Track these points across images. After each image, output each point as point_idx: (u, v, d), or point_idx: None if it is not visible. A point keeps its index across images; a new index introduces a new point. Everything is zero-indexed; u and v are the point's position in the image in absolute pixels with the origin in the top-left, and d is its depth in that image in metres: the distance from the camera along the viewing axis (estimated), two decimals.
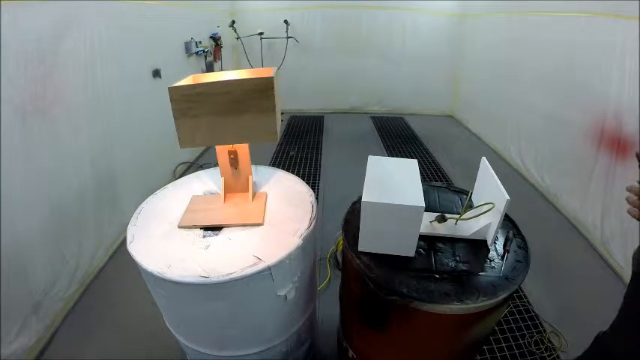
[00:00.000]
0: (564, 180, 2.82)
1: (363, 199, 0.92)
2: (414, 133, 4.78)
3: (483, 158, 1.09)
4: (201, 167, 3.44)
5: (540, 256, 2.17)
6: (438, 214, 1.08)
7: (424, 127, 4.94)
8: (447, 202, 1.25)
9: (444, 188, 1.36)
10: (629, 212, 0.80)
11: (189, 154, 3.65)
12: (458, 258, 0.98)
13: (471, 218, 1.03)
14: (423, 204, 0.89)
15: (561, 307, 1.90)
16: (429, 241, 1.04)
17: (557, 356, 1.65)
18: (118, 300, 1.98)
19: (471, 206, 1.12)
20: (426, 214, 1.06)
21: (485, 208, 0.99)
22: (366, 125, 5.13)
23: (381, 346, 1.09)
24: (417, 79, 5.37)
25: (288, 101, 5.40)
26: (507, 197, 0.91)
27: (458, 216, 1.08)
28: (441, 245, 1.03)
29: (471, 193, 1.22)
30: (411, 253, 0.98)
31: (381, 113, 5.62)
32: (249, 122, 0.99)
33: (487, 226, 1.01)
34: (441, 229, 1.06)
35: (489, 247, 1.01)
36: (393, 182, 1.01)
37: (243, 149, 1.18)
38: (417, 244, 0.97)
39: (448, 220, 1.07)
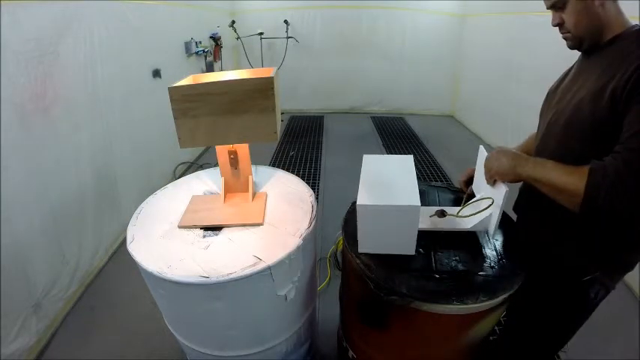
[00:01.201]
0: None
1: (357, 203, 0.91)
2: (414, 133, 4.79)
3: (481, 147, 1.08)
4: (201, 167, 3.44)
5: None
6: (438, 208, 1.07)
7: (424, 127, 4.94)
8: (447, 202, 1.25)
9: (444, 188, 1.36)
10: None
11: (189, 154, 3.65)
12: (458, 258, 0.98)
13: (470, 216, 1.03)
14: (418, 203, 0.88)
15: None
16: (429, 241, 1.04)
17: (557, 356, 1.65)
18: (118, 300, 1.98)
19: (470, 196, 1.11)
20: (425, 208, 1.06)
21: (485, 204, 0.99)
22: (366, 125, 5.13)
23: (381, 346, 1.09)
24: (417, 79, 5.38)
25: (288, 101, 5.40)
26: (506, 188, 0.90)
27: (458, 210, 1.07)
28: (441, 245, 1.03)
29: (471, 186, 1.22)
30: (411, 252, 0.98)
31: (381, 113, 5.62)
32: (249, 122, 0.99)
33: (488, 218, 1.00)
34: (441, 224, 1.05)
35: (491, 238, 1.01)
36: (387, 182, 1.00)
37: (243, 149, 1.17)
38: (418, 243, 0.97)
39: (451, 216, 1.06)
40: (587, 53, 0.93)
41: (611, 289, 0.97)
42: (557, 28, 0.91)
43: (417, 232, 0.94)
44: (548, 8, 0.91)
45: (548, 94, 1.08)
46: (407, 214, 0.90)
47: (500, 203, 0.93)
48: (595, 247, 0.91)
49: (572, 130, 0.87)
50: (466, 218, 1.04)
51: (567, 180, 0.77)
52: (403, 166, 1.09)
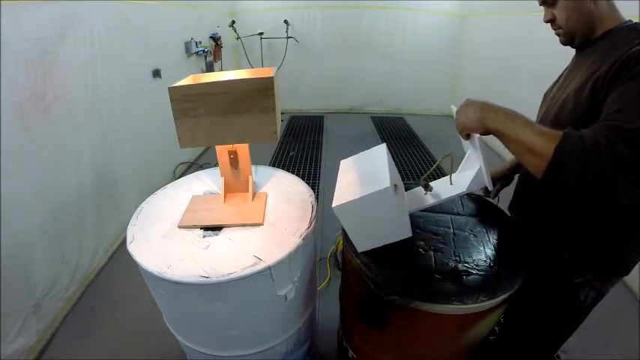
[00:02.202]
0: None
1: (332, 206, 0.90)
2: (414, 133, 4.78)
3: (452, 106, 1.04)
4: (201, 167, 3.44)
5: None
6: (423, 183, 1.05)
7: (424, 127, 4.94)
8: (447, 201, 1.25)
9: None
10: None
11: (189, 154, 3.65)
12: (458, 258, 0.98)
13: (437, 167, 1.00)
14: (387, 184, 0.84)
15: None
16: (428, 241, 1.04)
17: (557, 356, 1.65)
18: (118, 300, 1.98)
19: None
20: (415, 190, 1.08)
21: (470, 163, 0.96)
22: (366, 125, 5.13)
23: (381, 346, 1.09)
24: (417, 79, 5.38)
25: (288, 101, 5.41)
26: (478, 135, 0.88)
27: (449, 177, 1.05)
28: (441, 245, 1.03)
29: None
30: (409, 234, 0.96)
31: (381, 113, 5.62)
32: (249, 122, 0.99)
33: (480, 172, 0.94)
34: (439, 197, 1.03)
35: (490, 191, 0.97)
36: (360, 177, 0.99)
37: (243, 149, 1.18)
38: (417, 243, 0.96)
39: (444, 186, 1.04)
40: (579, 49, 0.93)
41: (605, 293, 0.97)
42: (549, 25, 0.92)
43: (405, 213, 0.93)
44: (540, 5, 0.91)
45: (545, 94, 1.08)
46: (383, 199, 0.86)
47: (481, 156, 0.89)
48: (593, 247, 0.91)
49: (558, 126, 0.86)
50: (460, 183, 0.99)
51: (537, 141, 0.70)
52: (375, 157, 1.08)
